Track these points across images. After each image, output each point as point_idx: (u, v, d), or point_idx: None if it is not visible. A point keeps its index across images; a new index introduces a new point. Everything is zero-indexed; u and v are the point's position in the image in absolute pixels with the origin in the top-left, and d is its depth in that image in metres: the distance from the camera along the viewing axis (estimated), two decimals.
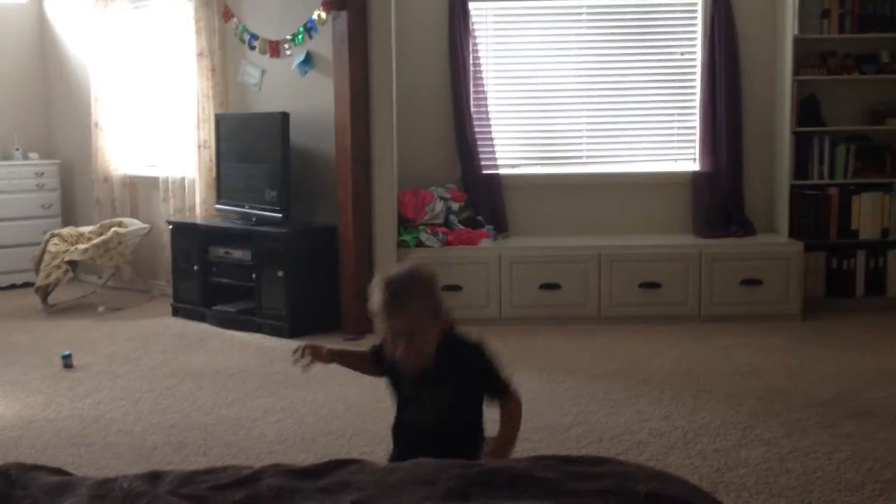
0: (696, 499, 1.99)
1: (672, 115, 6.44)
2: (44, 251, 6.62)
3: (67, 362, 5.09)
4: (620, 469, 2.11)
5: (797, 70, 6.00)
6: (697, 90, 6.32)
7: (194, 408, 4.37)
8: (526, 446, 3.79)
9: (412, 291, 2.55)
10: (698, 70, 6.29)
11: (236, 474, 2.11)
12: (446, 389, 2.64)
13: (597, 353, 5.24)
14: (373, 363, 2.88)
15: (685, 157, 6.44)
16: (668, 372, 4.86)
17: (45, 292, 6.60)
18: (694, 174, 6.35)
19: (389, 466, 2.14)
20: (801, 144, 6.10)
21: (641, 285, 5.92)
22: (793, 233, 6.11)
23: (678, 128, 6.46)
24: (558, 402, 4.37)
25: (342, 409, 4.31)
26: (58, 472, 2.16)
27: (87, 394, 4.61)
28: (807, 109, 6.10)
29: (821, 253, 6.14)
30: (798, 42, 5.97)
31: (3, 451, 3.80)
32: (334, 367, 5.02)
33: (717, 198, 6.28)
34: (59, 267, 6.47)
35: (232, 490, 2.03)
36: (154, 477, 2.08)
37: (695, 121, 6.37)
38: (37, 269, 6.62)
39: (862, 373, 4.77)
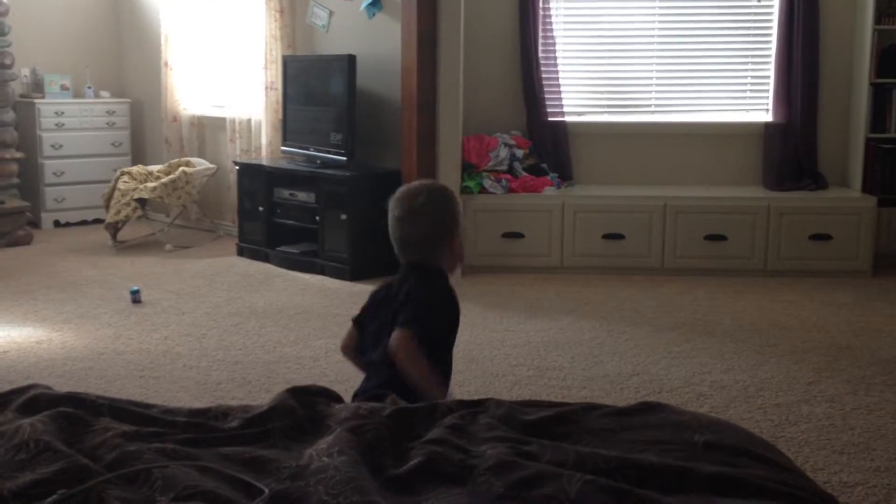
0: (754, 446, 1.97)
1: (746, 63, 6.29)
2: (114, 188, 6.75)
3: (136, 297, 5.21)
4: (675, 418, 2.10)
5: (878, 19, 5.80)
6: (773, 38, 6.15)
7: (258, 345, 4.46)
8: (584, 394, 3.80)
9: (427, 204, 2.61)
10: (775, 17, 6.11)
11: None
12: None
13: (659, 305, 5.20)
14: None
15: (758, 108, 6.30)
16: (731, 326, 4.81)
17: (114, 229, 6.75)
18: (766, 125, 6.21)
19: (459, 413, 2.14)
20: (880, 96, 5.91)
21: (707, 237, 5.84)
22: (866, 187, 5.96)
23: (752, 77, 6.30)
24: (619, 352, 4.35)
25: None
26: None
27: (155, 329, 4.73)
28: (887, 60, 5.91)
29: (894, 209, 5.97)
30: None
31: (74, 381, 3.92)
32: None
33: (789, 150, 6.14)
34: (128, 204, 6.60)
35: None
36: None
37: (769, 70, 6.21)
38: (107, 206, 6.76)
39: None
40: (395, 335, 2.54)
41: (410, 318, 2.56)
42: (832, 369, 4.11)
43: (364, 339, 2.77)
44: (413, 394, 2.45)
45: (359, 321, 2.84)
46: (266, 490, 1.80)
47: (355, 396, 2.54)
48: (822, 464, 3.14)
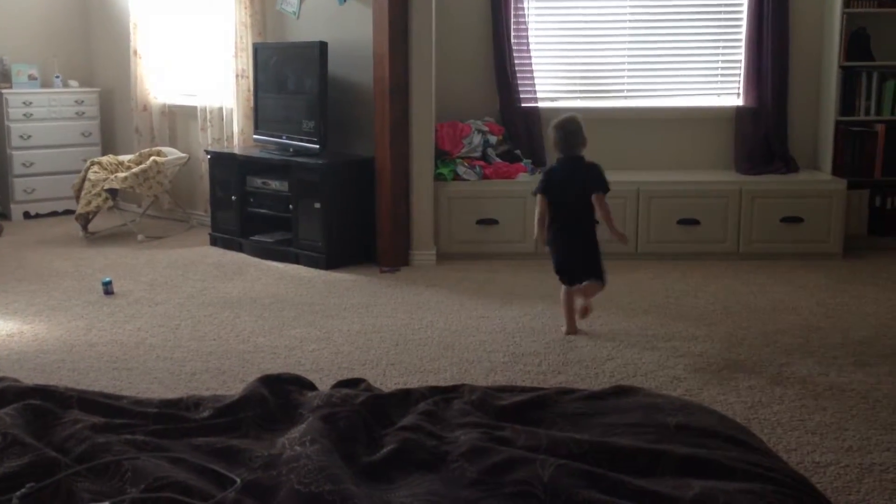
0: (726, 428, 1.99)
1: (717, 48, 6.30)
2: (84, 179, 6.68)
3: (108, 289, 5.16)
4: (648, 401, 2.12)
5: (847, 2, 5.83)
6: (744, 23, 6.16)
7: (232, 335, 4.43)
8: (560, 379, 3.81)
9: (579, 128, 4.30)
10: (745, 2, 6.13)
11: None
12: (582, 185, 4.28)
13: (633, 290, 5.22)
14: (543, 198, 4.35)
15: (729, 92, 6.32)
16: (704, 309, 4.83)
17: (85, 220, 6.68)
18: (737, 109, 6.24)
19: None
20: (849, 79, 5.95)
21: (680, 222, 5.86)
22: (836, 170, 6.00)
23: (722, 62, 6.32)
24: (593, 337, 4.37)
25: (377, 340, 4.34)
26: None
27: (128, 320, 4.69)
28: (856, 43, 5.94)
29: (864, 191, 6.02)
30: None
31: (47, 374, 3.88)
32: (369, 299, 5.07)
33: (760, 134, 6.17)
34: (99, 195, 6.53)
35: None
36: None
37: (740, 54, 6.23)
38: (77, 197, 6.69)
39: None
40: (597, 195, 4.25)
41: (601, 183, 4.27)
42: (804, 351, 4.15)
43: (558, 196, 4.31)
44: (594, 224, 4.34)
45: (544, 191, 4.33)
46: (238, 480, 1.79)
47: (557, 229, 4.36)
48: (794, 444, 3.17)
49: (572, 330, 4.42)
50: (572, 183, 4.28)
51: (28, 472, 1.73)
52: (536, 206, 4.37)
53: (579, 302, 4.43)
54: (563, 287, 4.42)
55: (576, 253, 4.34)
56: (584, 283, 4.34)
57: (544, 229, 4.33)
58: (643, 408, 2.06)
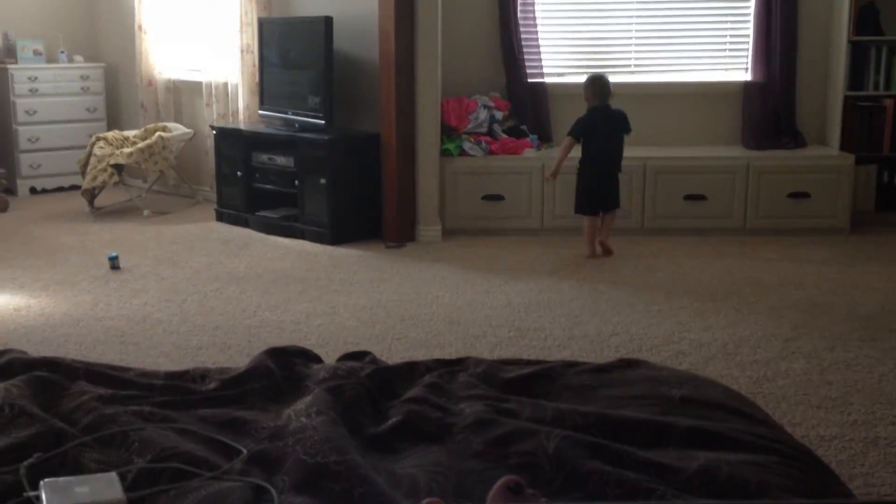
0: (731, 401, 1.99)
1: (725, 22, 6.26)
2: (90, 154, 6.68)
3: (114, 264, 5.17)
4: (653, 374, 2.12)
5: None
6: None
7: (238, 310, 4.44)
8: (565, 354, 3.82)
9: (609, 83, 5.34)
10: None
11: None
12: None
13: (639, 265, 5.21)
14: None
15: (737, 67, 6.29)
16: (710, 284, 4.83)
17: (91, 195, 6.69)
18: (745, 84, 6.20)
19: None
20: (858, 54, 5.91)
21: (687, 197, 5.85)
22: (844, 145, 5.97)
23: (731, 36, 6.28)
24: (599, 312, 4.37)
25: (383, 315, 4.35)
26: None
27: (134, 294, 4.70)
28: (865, 18, 5.89)
29: (872, 166, 6.00)
30: None
31: (53, 347, 3.90)
32: (375, 274, 5.08)
33: (767, 108, 6.14)
34: (104, 170, 6.54)
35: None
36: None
37: (748, 29, 6.18)
38: (83, 172, 6.69)
39: None
40: (625, 137, 5.38)
41: (628, 125, 5.34)
42: (810, 326, 4.15)
43: (593, 138, 5.31)
44: (620, 161, 5.41)
45: (577, 135, 5.30)
46: (244, 450, 1.80)
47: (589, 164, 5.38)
48: (799, 418, 3.17)
49: (592, 253, 5.35)
50: (605, 126, 5.31)
51: (35, 443, 1.74)
52: (563, 146, 5.37)
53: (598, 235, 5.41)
54: (587, 219, 5.35)
55: (605, 186, 5.35)
56: (607, 214, 5.37)
57: (559, 167, 5.36)
58: (648, 380, 2.06)
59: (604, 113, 5.34)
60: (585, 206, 5.37)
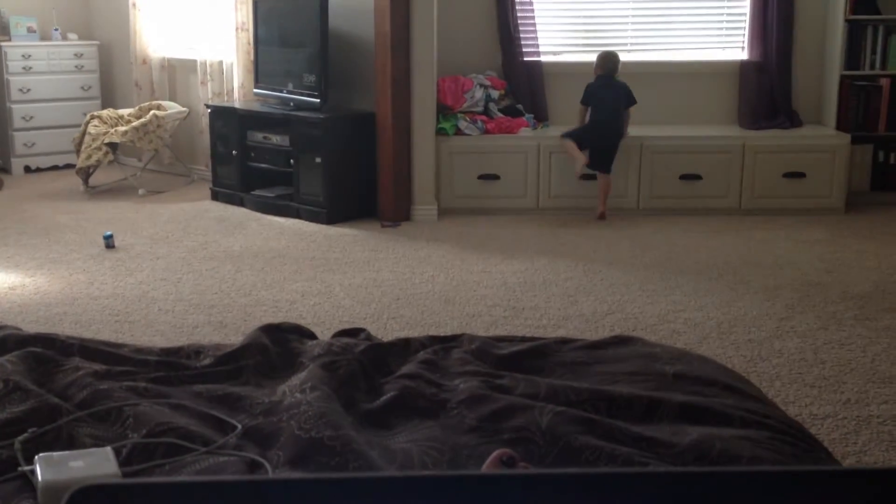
0: (724, 377, 2.00)
1: (721, 1, 6.24)
2: (84, 133, 6.65)
3: (109, 242, 5.17)
4: (646, 350, 2.13)
5: None
6: None
7: (234, 289, 4.44)
8: (560, 333, 3.82)
9: (619, 59, 5.73)
10: None
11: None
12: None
13: (634, 244, 5.22)
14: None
15: (733, 46, 6.27)
16: (705, 264, 4.84)
17: (86, 174, 6.67)
18: (742, 63, 6.19)
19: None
20: (854, 33, 5.90)
21: (682, 177, 5.85)
22: (840, 125, 5.97)
23: (727, 15, 6.26)
24: (594, 291, 4.38)
25: (378, 294, 4.35)
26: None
27: (129, 273, 4.70)
28: None
29: (868, 146, 6.00)
30: None
31: (49, 326, 3.90)
32: (371, 254, 5.08)
33: (764, 88, 6.13)
34: (99, 149, 6.52)
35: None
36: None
37: (745, 7, 6.17)
38: (77, 151, 6.67)
39: None
40: (628, 110, 5.75)
41: (632, 98, 5.72)
42: (804, 305, 4.16)
43: (595, 104, 5.73)
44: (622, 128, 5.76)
45: (583, 101, 5.76)
46: (239, 426, 1.80)
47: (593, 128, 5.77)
48: (793, 397, 3.19)
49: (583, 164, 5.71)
50: (609, 94, 5.71)
51: (30, 418, 1.75)
52: (578, 115, 5.86)
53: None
54: (572, 145, 5.71)
55: (605, 148, 5.70)
56: (602, 177, 5.69)
57: (578, 154, 5.70)
58: (642, 357, 2.07)
59: (609, 82, 5.71)
60: (578, 137, 5.71)
